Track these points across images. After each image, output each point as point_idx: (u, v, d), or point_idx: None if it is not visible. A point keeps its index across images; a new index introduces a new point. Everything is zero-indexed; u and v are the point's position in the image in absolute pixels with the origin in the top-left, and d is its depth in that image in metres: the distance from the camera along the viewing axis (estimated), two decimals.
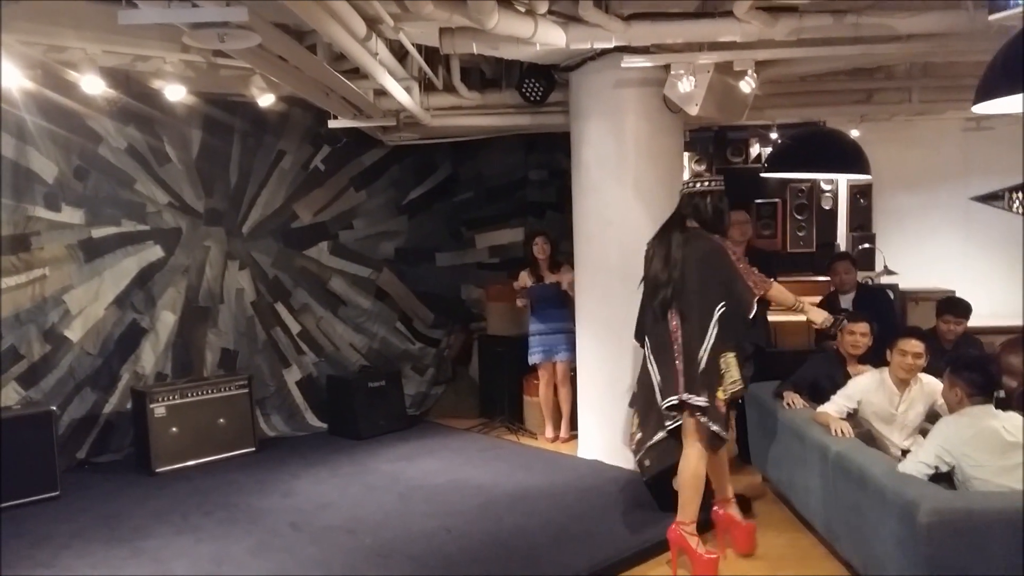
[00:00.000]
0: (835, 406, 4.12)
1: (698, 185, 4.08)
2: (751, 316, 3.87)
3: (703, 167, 8.01)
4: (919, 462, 3.36)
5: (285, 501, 4.78)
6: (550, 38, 4.34)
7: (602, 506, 4.59)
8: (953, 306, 5.03)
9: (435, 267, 7.51)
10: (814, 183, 7.86)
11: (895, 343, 4.03)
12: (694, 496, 3.88)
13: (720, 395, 3.82)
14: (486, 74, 5.99)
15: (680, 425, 3.98)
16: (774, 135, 7.53)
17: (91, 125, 5.54)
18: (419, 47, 4.74)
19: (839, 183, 7.80)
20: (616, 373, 5.29)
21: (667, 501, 4.44)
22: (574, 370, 5.77)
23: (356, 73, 4.76)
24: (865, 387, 4.11)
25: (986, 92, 2.97)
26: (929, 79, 6.10)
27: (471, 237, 7.69)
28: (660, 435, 4.07)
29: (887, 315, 5.53)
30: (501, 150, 7.48)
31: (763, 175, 7.17)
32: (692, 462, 3.89)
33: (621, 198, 5.20)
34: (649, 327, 4.09)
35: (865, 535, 3.53)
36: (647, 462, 4.64)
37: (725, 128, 7.81)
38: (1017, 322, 6.90)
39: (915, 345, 3.97)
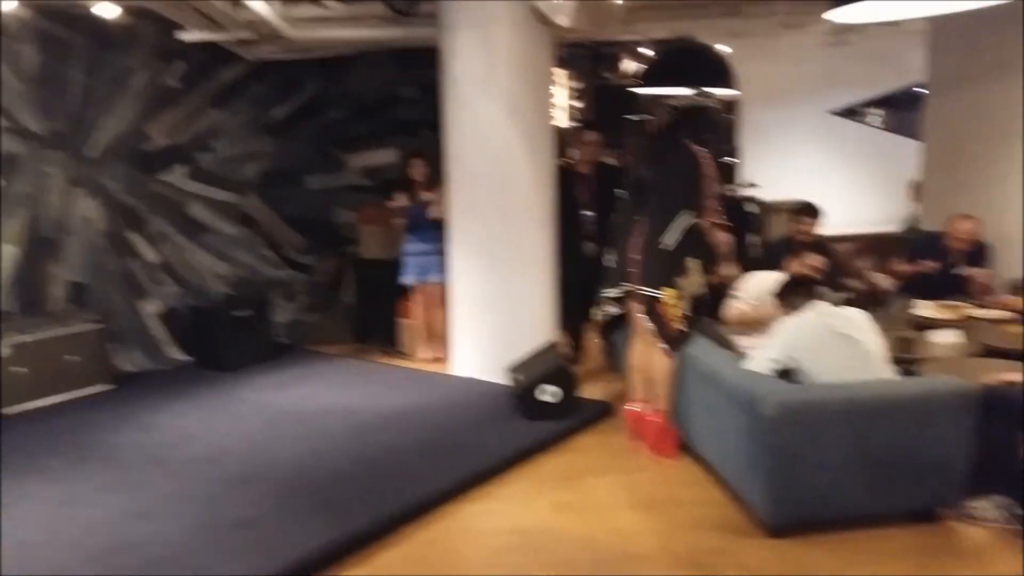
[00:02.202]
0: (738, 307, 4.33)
1: (698, 100, 4.28)
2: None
3: (579, 83, 7.99)
4: (766, 359, 3.53)
5: (143, 436, 4.57)
6: None
7: (473, 421, 4.63)
8: (806, 209, 5.29)
9: (304, 190, 7.22)
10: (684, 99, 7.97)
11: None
12: (669, 387, 4.14)
13: (671, 303, 4.00)
14: None
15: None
16: (646, 51, 7.55)
17: None
18: None
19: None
20: (489, 290, 5.30)
21: (535, 412, 4.53)
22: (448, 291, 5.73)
23: None
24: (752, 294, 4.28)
25: None
26: None
27: (342, 158, 7.41)
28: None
29: (745, 226, 5.75)
30: (371, 66, 7.17)
31: (635, 91, 7.19)
32: (662, 357, 4.11)
33: (493, 114, 5.11)
34: (624, 227, 4.24)
35: (716, 431, 3.70)
36: (517, 376, 4.75)
37: (599, 44, 7.78)
38: (865, 229, 7.33)
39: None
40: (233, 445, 4.36)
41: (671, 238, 4.02)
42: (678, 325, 4.06)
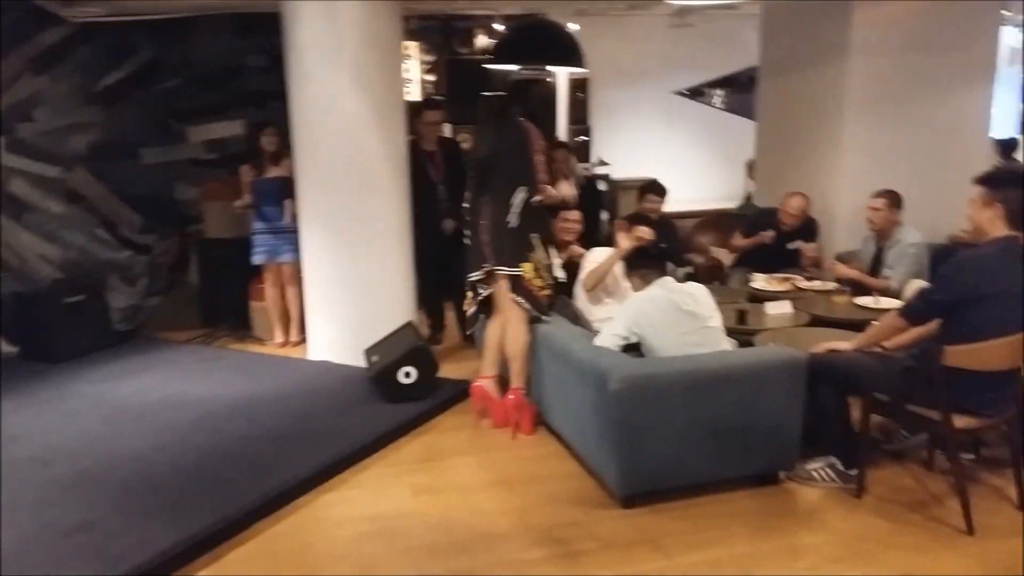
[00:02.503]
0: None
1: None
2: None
3: (431, 57, 7.89)
4: (612, 334, 3.66)
5: None
6: None
7: (330, 406, 4.53)
8: (653, 187, 5.51)
9: (141, 164, 6.74)
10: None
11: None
12: (525, 363, 4.22)
13: (530, 275, 4.13)
14: None
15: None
16: (499, 26, 7.55)
17: None
18: None
19: (559, 77, 8.07)
20: (342, 269, 5.18)
21: (393, 393, 4.50)
22: (300, 272, 5.55)
23: None
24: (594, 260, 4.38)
25: None
26: None
27: (182, 130, 6.97)
28: (472, 309, 4.37)
29: (595, 204, 5.92)
30: (213, 32, 6.75)
31: (487, 67, 7.19)
32: (518, 334, 4.18)
33: (340, 84, 4.94)
34: (470, 207, 4.30)
35: (569, 406, 3.81)
36: (374, 357, 4.69)
37: (451, 18, 7.70)
38: (707, 206, 7.73)
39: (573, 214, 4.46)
40: (65, 444, 4.06)
41: (513, 216, 4.11)
42: (546, 293, 4.21)
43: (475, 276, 4.29)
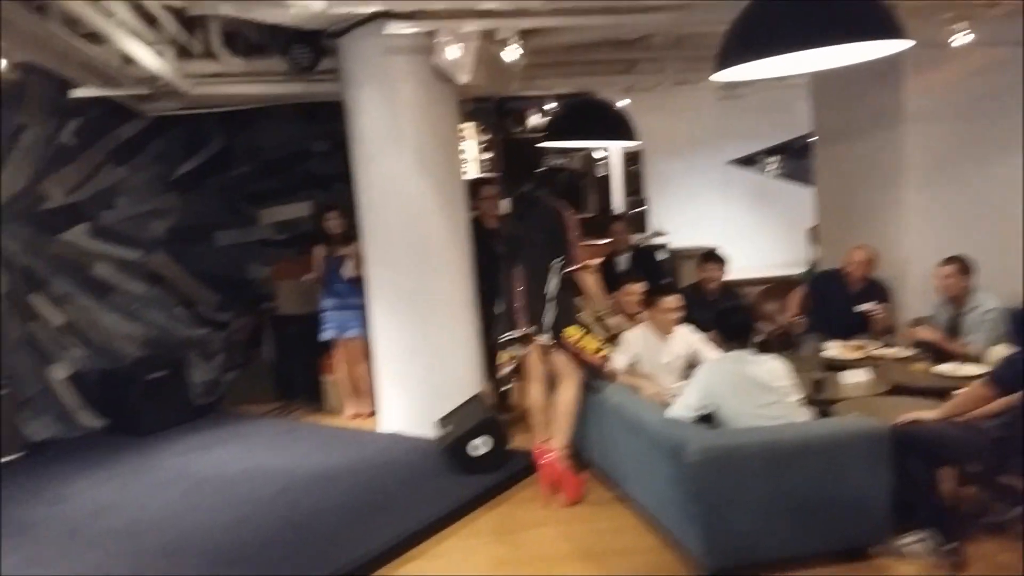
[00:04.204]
0: (620, 361, 4.41)
1: (559, 163, 4.53)
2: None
3: (487, 136, 8.17)
4: (684, 406, 3.68)
5: (57, 508, 4.36)
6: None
7: (403, 478, 4.60)
8: (712, 256, 5.56)
9: (215, 246, 7.07)
10: (588, 152, 8.27)
11: (656, 302, 4.39)
12: (571, 422, 4.31)
13: (576, 336, 4.25)
14: (251, 40, 5.63)
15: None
16: (549, 105, 7.81)
17: None
18: (171, 9, 4.38)
19: (612, 151, 8.25)
20: (410, 343, 5.31)
21: (465, 465, 4.55)
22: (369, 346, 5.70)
23: (96, 37, 4.32)
24: (633, 342, 4.44)
25: (723, 61, 3.26)
26: (682, 50, 6.47)
27: (253, 213, 7.31)
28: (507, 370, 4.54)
29: (656, 274, 5.98)
30: (278, 120, 7.14)
31: (540, 145, 7.42)
32: (567, 393, 4.28)
33: (401, 167, 5.17)
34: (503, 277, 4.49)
35: (645, 478, 3.81)
36: (445, 428, 4.77)
37: (505, 99, 7.99)
38: (769, 273, 7.73)
39: (672, 301, 4.36)
40: (153, 515, 4.21)
41: (551, 286, 4.28)
42: (602, 354, 4.29)
43: (507, 337, 4.44)
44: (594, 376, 4.32)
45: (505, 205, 5.69)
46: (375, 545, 3.73)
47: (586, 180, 5.12)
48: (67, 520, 4.19)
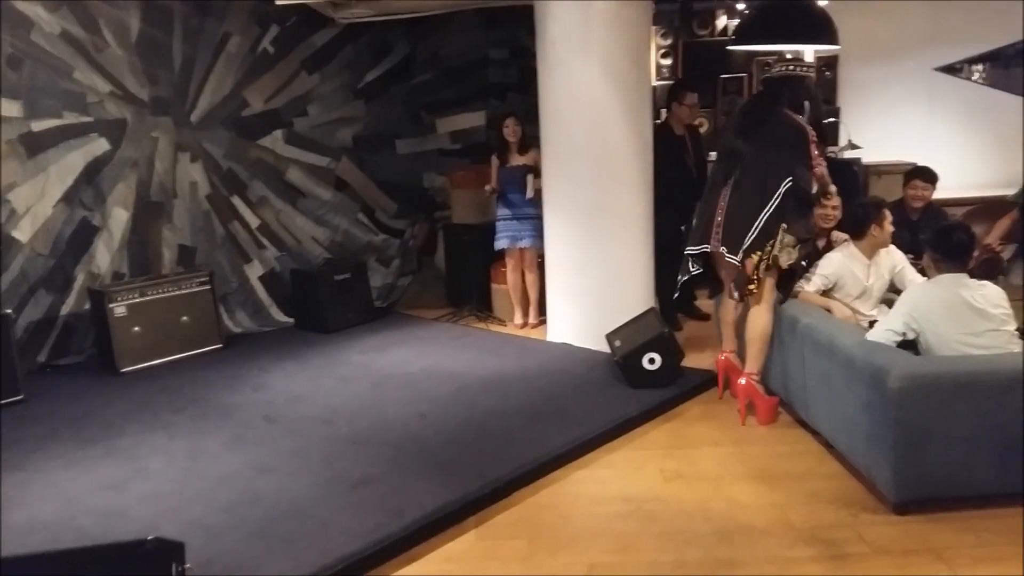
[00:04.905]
0: (814, 285, 4.17)
1: (798, 69, 4.39)
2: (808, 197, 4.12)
3: (668, 40, 7.77)
4: (887, 329, 3.43)
5: (257, 395, 4.74)
6: None
7: (574, 387, 4.64)
8: (922, 172, 5.09)
9: (395, 154, 7.27)
10: (780, 55, 7.68)
11: (882, 216, 4.04)
12: (763, 347, 4.20)
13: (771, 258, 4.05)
14: None
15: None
16: (741, 5, 7.29)
17: (19, 8, 5.12)
18: None
19: (805, 55, 7.63)
20: (585, 256, 5.27)
21: (637, 378, 4.52)
22: (541, 256, 5.73)
23: None
24: (839, 264, 4.14)
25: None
26: None
27: (431, 122, 7.42)
28: (684, 277, 4.49)
29: (853, 189, 5.55)
30: (460, 28, 7.14)
31: (729, 48, 6.96)
32: (759, 316, 4.18)
33: (588, 74, 5.03)
34: (704, 198, 4.37)
35: (833, 403, 3.62)
36: (617, 342, 4.74)
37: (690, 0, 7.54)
38: (977, 193, 7.00)
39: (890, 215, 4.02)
40: (343, 405, 4.49)
41: (770, 206, 4.01)
42: (782, 265, 4.09)
43: (694, 250, 4.33)
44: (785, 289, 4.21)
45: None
46: (550, 448, 3.81)
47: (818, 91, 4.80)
48: (265, 406, 4.55)
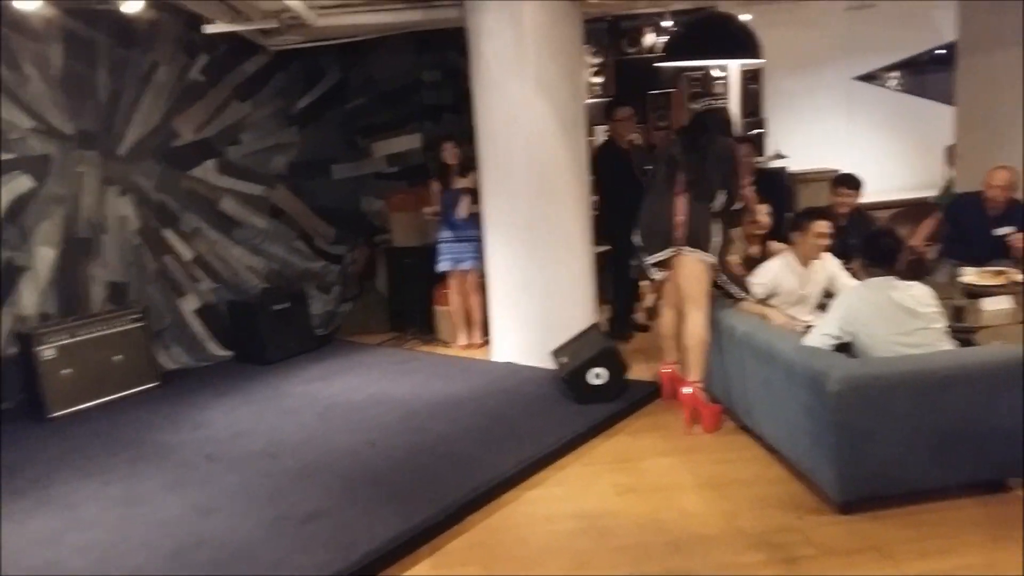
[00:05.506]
0: (752, 293, 4.26)
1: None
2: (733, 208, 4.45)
3: (599, 58, 7.91)
4: (824, 334, 3.52)
5: (197, 433, 4.61)
6: None
7: (522, 406, 4.64)
8: (846, 180, 5.25)
9: (331, 180, 7.20)
10: (707, 71, 7.89)
11: (807, 225, 4.16)
12: (703, 355, 4.29)
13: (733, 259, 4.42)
14: None
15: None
16: (668, 23, 7.46)
17: None
18: None
19: (730, 69, 7.85)
20: (526, 273, 5.29)
21: (584, 394, 4.54)
22: (483, 277, 5.72)
23: None
24: (776, 273, 4.24)
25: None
26: None
27: (367, 146, 7.38)
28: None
29: (780, 198, 5.72)
30: (392, 51, 7.12)
31: (658, 64, 7.12)
32: (697, 324, 4.26)
33: (523, 93, 5.07)
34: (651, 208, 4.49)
35: (775, 408, 3.69)
36: (563, 359, 4.76)
37: (619, 18, 7.69)
38: (901, 196, 7.28)
39: (826, 226, 4.13)
40: (288, 438, 4.39)
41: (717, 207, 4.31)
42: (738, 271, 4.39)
43: (661, 256, 4.36)
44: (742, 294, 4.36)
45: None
46: (502, 470, 3.79)
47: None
48: (205, 444, 4.42)
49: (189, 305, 6.22)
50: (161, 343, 5.95)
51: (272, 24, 5.50)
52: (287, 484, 3.81)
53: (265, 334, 5.92)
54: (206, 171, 6.33)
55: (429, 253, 6.14)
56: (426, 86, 7.39)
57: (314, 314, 6.61)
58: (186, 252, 6.22)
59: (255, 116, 6.62)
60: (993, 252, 4.97)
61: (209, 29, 5.56)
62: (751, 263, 4.53)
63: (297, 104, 6.91)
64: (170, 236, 6.14)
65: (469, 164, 5.73)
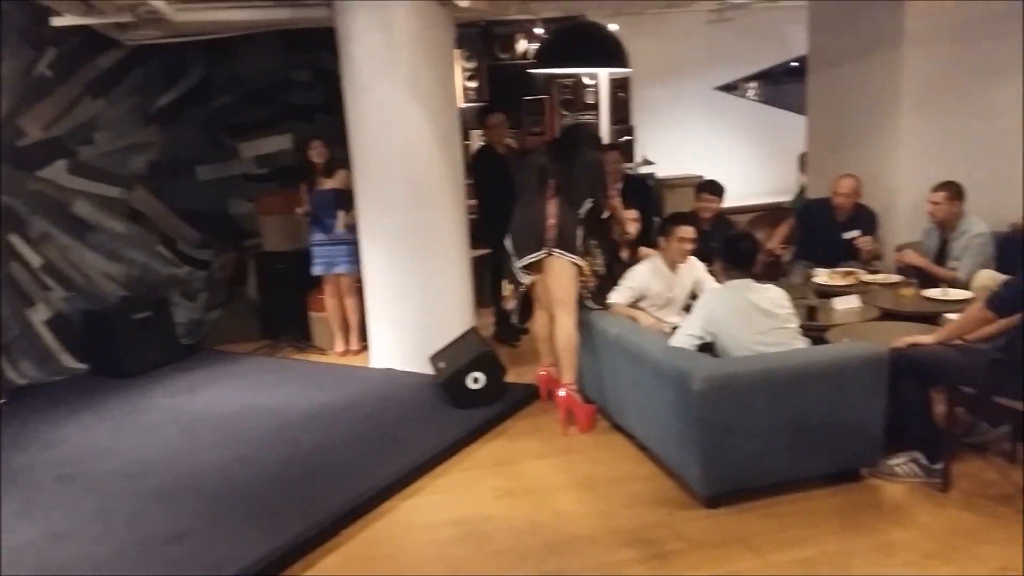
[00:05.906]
0: (622, 296, 4.38)
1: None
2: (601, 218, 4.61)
3: (472, 63, 7.93)
4: (687, 335, 3.68)
5: (48, 453, 4.29)
6: None
7: (400, 412, 4.59)
8: (709, 186, 5.51)
9: (196, 181, 6.86)
10: (578, 78, 8.08)
11: (671, 231, 4.32)
12: (574, 357, 4.39)
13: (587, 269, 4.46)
14: None
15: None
16: (539, 30, 7.58)
17: None
18: None
19: (600, 77, 8.07)
20: (403, 278, 5.24)
21: (462, 399, 4.55)
22: (359, 280, 5.63)
23: None
24: (644, 277, 4.38)
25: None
26: None
27: (234, 146, 7.09)
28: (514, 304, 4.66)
29: (648, 203, 5.93)
30: (259, 49, 6.86)
31: (530, 71, 7.22)
32: (567, 328, 4.35)
33: (396, 96, 5.01)
34: (523, 212, 4.50)
35: (645, 408, 3.82)
36: (441, 364, 4.75)
37: (491, 24, 7.74)
38: (759, 201, 7.70)
39: (689, 231, 4.30)
40: (149, 456, 4.16)
41: (582, 214, 4.43)
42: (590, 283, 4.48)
43: (530, 259, 4.39)
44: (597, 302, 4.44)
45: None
46: (378, 479, 3.73)
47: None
48: (59, 464, 4.13)
49: (39, 315, 5.78)
50: (9, 357, 5.50)
51: (127, 18, 5.19)
52: (148, 505, 3.61)
53: (124, 345, 5.59)
54: (56, 172, 5.89)
55: (303, 257, 5.98)
56: (296, 85, 7.18)
57: (179, 323, 6.30)
58: (35, 259, 5.78)
59: (110, 114, 6.22)
60: (842, 254, 5.34)
61: (57, 22, 5.19)
62: (621, 267, 4.65)
63: (157, 102, 6.56)
64: (16, 242, 5.68)
65: (336, 163, 5.64)
